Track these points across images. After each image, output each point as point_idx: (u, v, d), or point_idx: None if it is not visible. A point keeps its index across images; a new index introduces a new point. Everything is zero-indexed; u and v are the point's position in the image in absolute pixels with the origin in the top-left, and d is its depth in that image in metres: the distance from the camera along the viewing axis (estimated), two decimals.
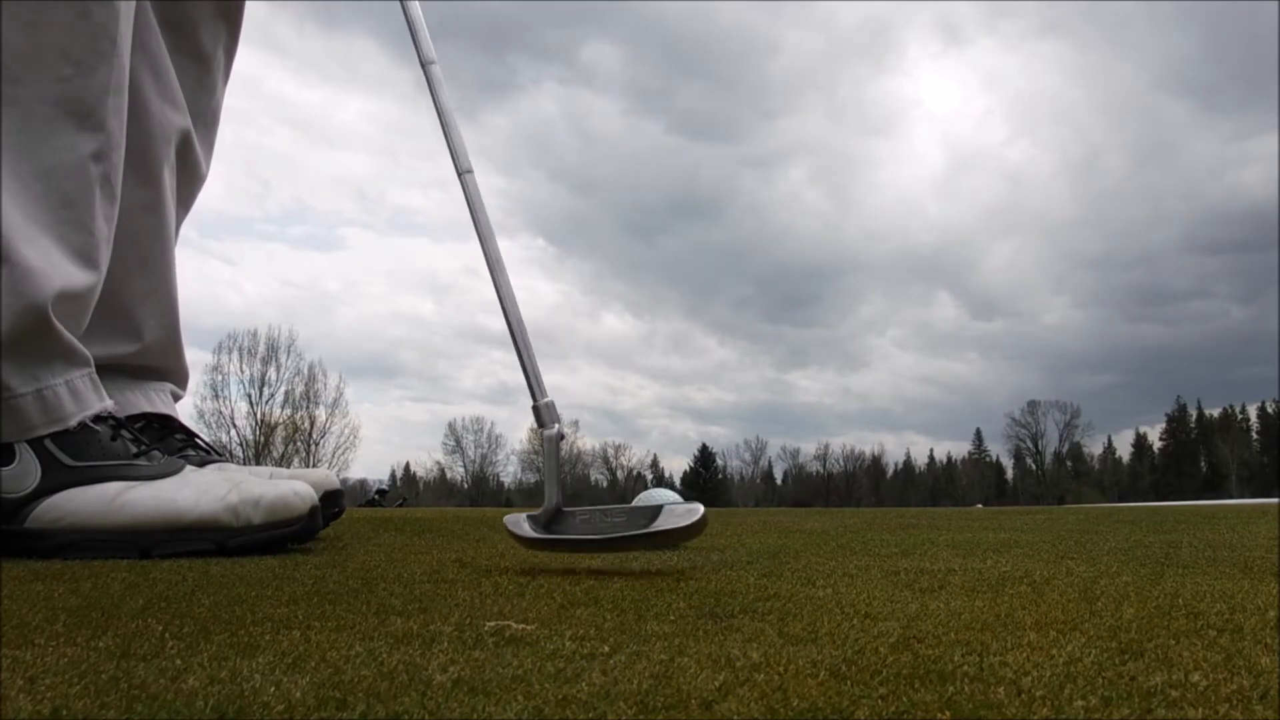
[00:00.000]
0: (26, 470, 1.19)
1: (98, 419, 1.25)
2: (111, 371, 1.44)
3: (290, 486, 1.26)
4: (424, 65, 1.36)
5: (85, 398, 1.25)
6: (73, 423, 1.22)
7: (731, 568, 1.08)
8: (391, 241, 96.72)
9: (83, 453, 1.21)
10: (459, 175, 1.30)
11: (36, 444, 1.20)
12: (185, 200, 1.61)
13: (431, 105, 1.33)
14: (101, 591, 0.84)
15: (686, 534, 1.06)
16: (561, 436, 1.18)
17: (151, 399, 1.53)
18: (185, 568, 1.04)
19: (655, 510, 1.09)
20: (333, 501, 1.50)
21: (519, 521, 1.15)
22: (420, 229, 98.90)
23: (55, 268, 1.21)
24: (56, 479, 1.19)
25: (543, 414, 1.18)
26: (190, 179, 1.60)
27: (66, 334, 1.23)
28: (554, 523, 1.15)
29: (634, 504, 1.19)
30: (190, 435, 1.56)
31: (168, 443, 1.50)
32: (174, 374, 1.60)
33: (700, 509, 1.06)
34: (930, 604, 0.77)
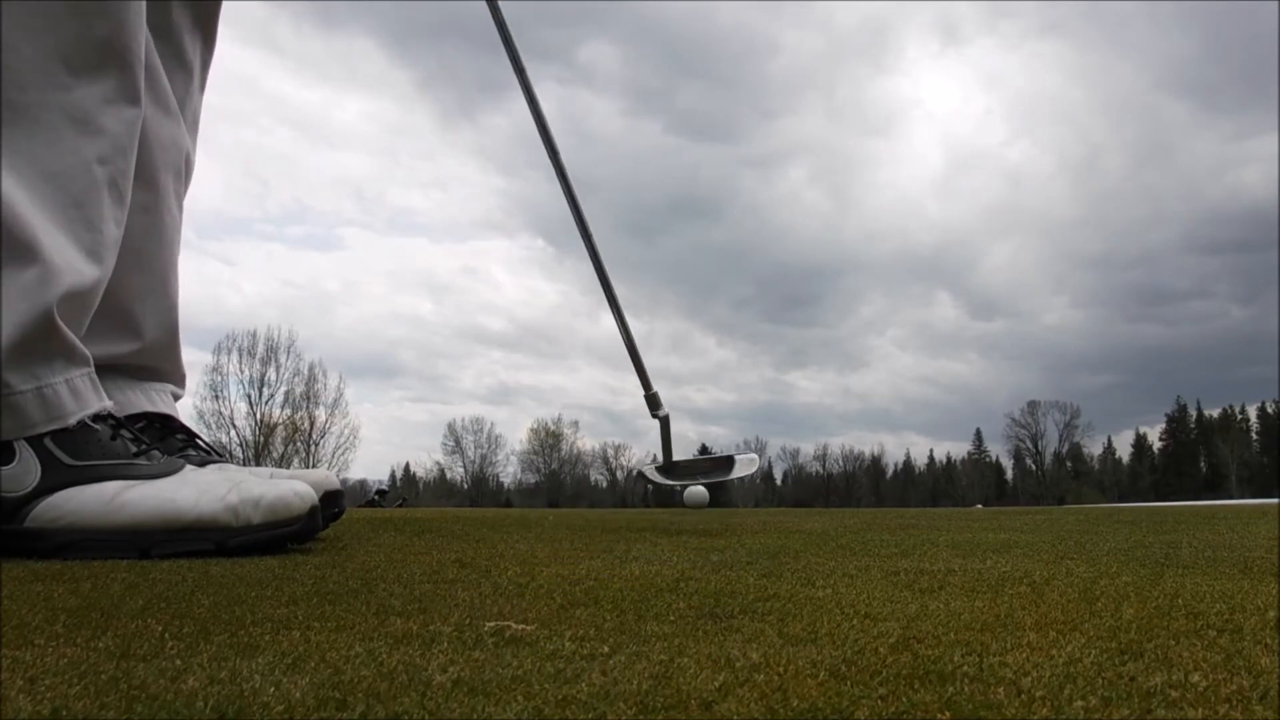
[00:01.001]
0: (26, 469, 1.19)
1: (97, 418, 1.25)
2: (112, 371, 1.45)
3: (290, 486, 1.26)
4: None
5: (85, 396, 1.25)
6: (72, 421, 1.22)
7: (731, 568, 1.07)
8: (391, 241, 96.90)
9: (82, 452, 1.21)
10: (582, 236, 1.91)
11: (36, 443, 1.20)
12: (179, 200, 1.63)
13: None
14: (101, 592, 0.84)
15: (752, 475, 1.78)
16: (667, 415, 1.81)
17: (153, 398, 1.54)
18: (185, 568, 1.04)
19: (730, 461, 1.79)
20: (333, 502, 1.50)
21: (651, 471, 1.86)
22: (419, 229, 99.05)
23: (65, 266, 1.22)
24: (56, 478, 1.19)
25: (653, 401, 1.82)
26: (187, 182, 1.64)
27: (68, 333, 1.23)
28: (669, 473, 1.83)
29: (711, 456, 1.87)
30: (191, 435, 1.56)
31: (168, 443, 1.50)
32: (171, 375, 1.61)
33: (756, 458, 1.81)
34: (930, 604, 0.77)
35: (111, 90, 1.28)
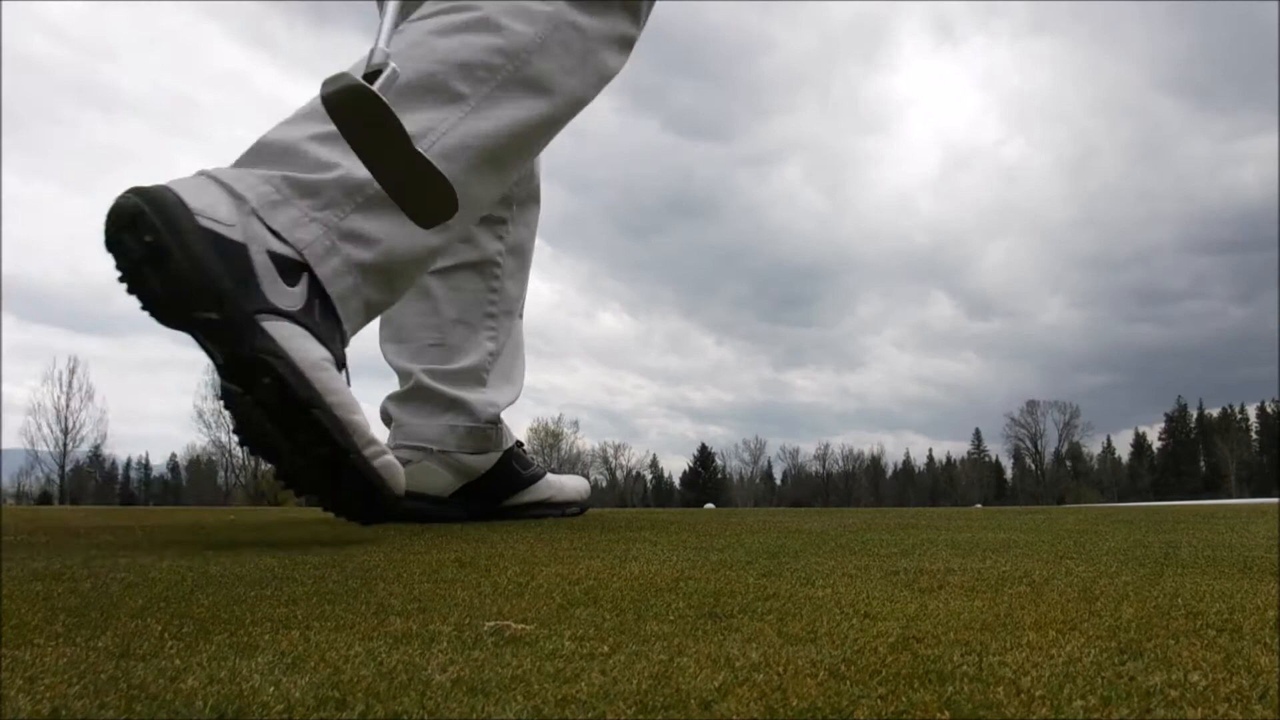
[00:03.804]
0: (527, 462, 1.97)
1: (516, 445, 1.96)
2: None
3: (585, 482, 2.11)
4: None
5: (509, 434, 1.95)
6: (512, 443, 1.92)
7: (731, 568, 1.07)
8: None
9: (524, 460, 1.95)
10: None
11: (509, 453, 1.90)
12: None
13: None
14: (100, 591, 0.84)
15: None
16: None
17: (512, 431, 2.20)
18: (185, 568, 1.04)
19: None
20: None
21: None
22: None
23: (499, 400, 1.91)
24: (524, 471, 1.94)
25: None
26: None
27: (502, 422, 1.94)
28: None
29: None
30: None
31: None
32: None
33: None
34: (929, 604, 0.77)
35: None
